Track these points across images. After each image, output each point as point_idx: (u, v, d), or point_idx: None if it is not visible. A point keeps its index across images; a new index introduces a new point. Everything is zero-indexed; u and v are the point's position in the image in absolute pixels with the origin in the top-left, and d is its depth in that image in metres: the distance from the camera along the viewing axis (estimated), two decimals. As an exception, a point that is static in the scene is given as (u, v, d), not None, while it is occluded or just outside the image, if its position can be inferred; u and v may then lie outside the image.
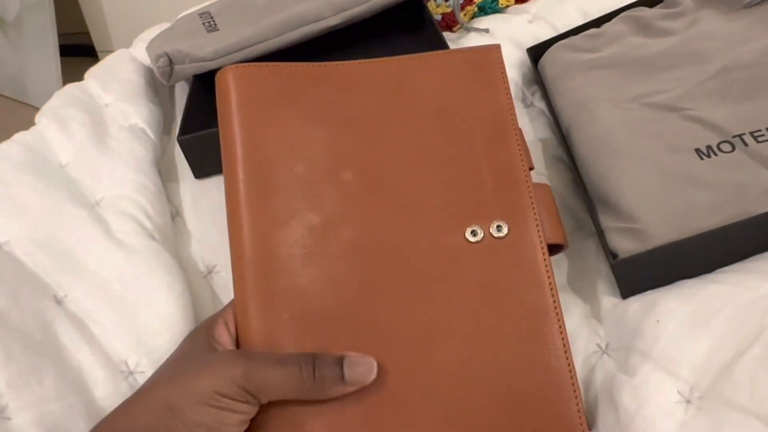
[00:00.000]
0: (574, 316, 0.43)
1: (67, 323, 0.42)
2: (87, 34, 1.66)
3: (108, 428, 0.33)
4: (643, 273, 0.40)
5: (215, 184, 0.55)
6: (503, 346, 0.36)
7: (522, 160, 0.41)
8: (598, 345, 0.41)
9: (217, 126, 0.41)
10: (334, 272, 0.37)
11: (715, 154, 0.42)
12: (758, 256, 0.39)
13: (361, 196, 0.39)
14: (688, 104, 0.46)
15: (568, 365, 0.36)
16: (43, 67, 1.52)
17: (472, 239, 0.38)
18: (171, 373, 0.34)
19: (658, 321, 0.38)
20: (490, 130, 0.41)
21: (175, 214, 0.54)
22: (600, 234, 0.44)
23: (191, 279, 0.48)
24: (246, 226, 0.37)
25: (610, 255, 0.42)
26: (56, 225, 0.47)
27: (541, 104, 0.57)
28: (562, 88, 0.53)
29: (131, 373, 0.41)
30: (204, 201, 0.54)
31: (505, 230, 0.38)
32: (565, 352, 0.36)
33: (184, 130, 0.55)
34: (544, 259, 0.38)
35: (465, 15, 0.69)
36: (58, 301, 0.44)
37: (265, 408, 0.33)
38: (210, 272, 0.50)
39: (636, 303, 0.40)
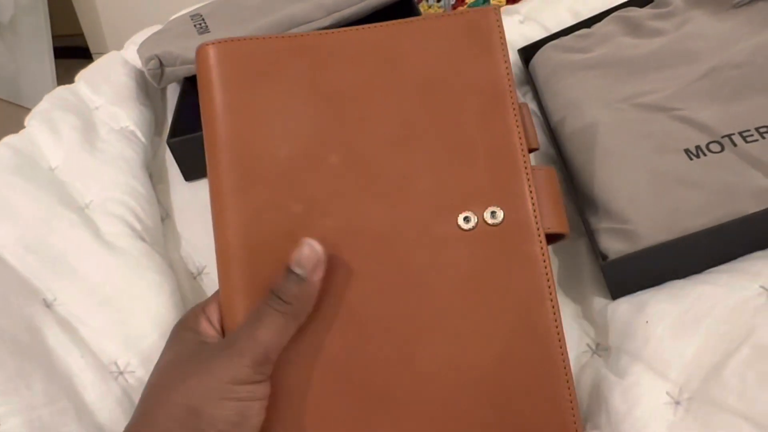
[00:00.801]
0: (565, 316, 0.43)
1: (56, 327, 0.42)
2: (81, 35, 1.66)
3: None
4: (632, 274, 0.40)
5: (205, 186, 0.54)
6: (495, 341, 0.35)
7: (520, 138, 0.37)
8: (588, 345, 0.41)
9: None
10: None
11: (705, 155, 0.42)
12: (747, 257, 0.39)
13: (347, 181, 0.37)
14: (678, 104, 0.46)
15: (563, 362, 0.34)
16: (38, 69, 1.52)
17: (465, 226, 0.36)
18: (175, 378, 0.33)
19: (647, 322, 0.38)
20: (485, 103, 0.38)
21: (165, 216, 0.54)
22: (590, 235, 0.43)
23: (181, 280, 0.48)
24: (229, 217, 0.36)
25: (600, 256, 0.42)
26: (46, 228, 0.47)
27: (532, 104, 0.57)
28: (552, 88, 0.53)
29: (121, 373, 0.41)
30: (194, 203, 0.54)
31: (500, 216, 0.36)
32: (561, 348, 0.35)
33: (173, 133, 0.55)
34: (542, 248, 0.36)
35: (457, 16, 0.69)
36: (48, 305, 0.44)
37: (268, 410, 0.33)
38: (200, 273, 0.50)
39: (626, 304, 0.40)
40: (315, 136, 0.37)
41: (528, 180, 0.37)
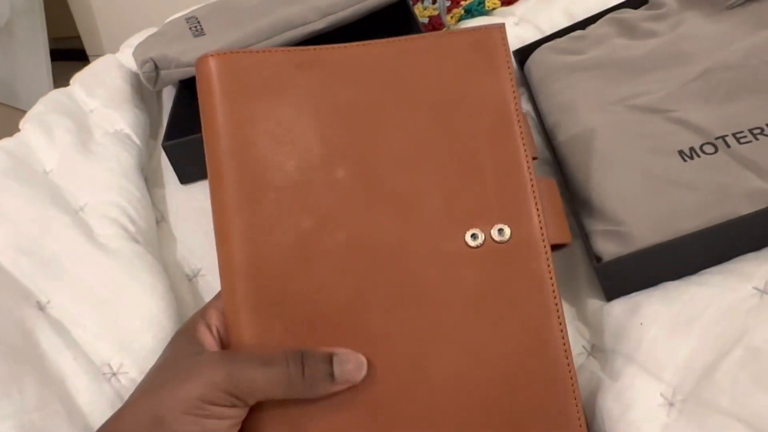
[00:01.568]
0: (560, 318, 0.43)
1: (49, 330, 0.42)
2: (78, 38, 1.65)
3: None
4: (626, 275, 0.40)
5: (200, 189, 0.55)
6: (503, 358, 0.34)
7: (526, 155, 0.38)
8: (583, 347, 0.41)
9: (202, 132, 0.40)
10: (327, 278, 0.35)
11: (698, 156, 0.42)
12: (741, 258, 0.39)
13: (356, 196, 0.36)
14: (672, 106, 0.46)
15: (571, 379, 0.34)
16: (34, 72, 1.52)
17: (472, 243, 0.36)
18: (154, 383, 0.33)
19: (641, 324, 0.38)
20: (493, 121, 0.38)
21: (160, 219, 0.54)
22: (584, 236, 0.44)
23: (176, 283, 0.48)
24: (234, 232, 0.35)
25: (594, 258, 0.42)
26: (39, 231, 0.47)
27: (527, 106, 0.57)
28: (547, 90, 0.53)
29: (114, 374, 0.41)
30: (189, 206, 0.54)
31: (507, 234, 0.36)
32: (568, 365, 0.35)
33: (169, 136, 0.55)
34: (548, 265, 0.36)
35: (452, 18, 0.69)
36: (41, 307, 0.44)
37: (257, 411, 0.33)
38: (195, 276, 0.50)
39: (620, 305, 0.40)
40: (325, 150, 0.37)
41: (535, 198, 0.37)
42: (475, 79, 0.39)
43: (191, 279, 0.50)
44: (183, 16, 0.69)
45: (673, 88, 0.47)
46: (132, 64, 0.67)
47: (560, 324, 0.35)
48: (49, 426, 0.37)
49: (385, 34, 0.64)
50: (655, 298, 0.39)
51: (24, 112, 0.60)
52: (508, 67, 0.39)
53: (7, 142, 0.56)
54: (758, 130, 0.42)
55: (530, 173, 0.38)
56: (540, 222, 0.37)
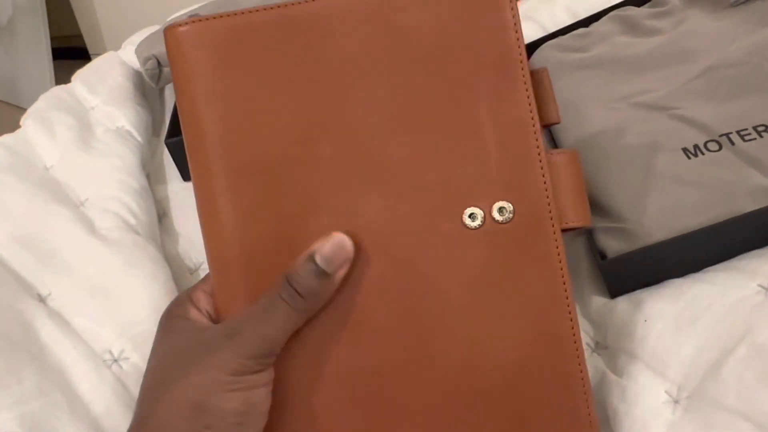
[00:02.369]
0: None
1: (49, 321, 0.42)
2: (80, 36, 1.65)
3: None
4: (631, 273, 0.40)
5: (203, 186, 0.55)
6: (510, 348, 0.32)
7: (533, 118, 0.32)
8: (587, 344, 0.41)
9: None
10: None
11: (702, 154, 0.42)
12: (745, 255, 0.39)
13: (342, 174, 0.33)
14: (676, 103, 0.46)
15: (581, 371, 0.32)
16: (36, 70, 1.52)
17: (470, 224, 0.32)
18: (179, 372, 0.31)
19: (645, 321, 0.38)
20: (493, 78, 0.33)
21: (163, 214, 0.54)
22: (589, 233, 0.43)
23: (179, 275, 0.48)
24: (221, 220, 0.33)
25: (599, 255, 0.42)
26: (40, 225, 0.47)
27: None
28: (550, 88, 0.53)
29: (116, 360, 0.41)
30: (192, 202, 0.53)
31: (508, 213, 0.32)
32: (578, 356, 0.32)
33: (171, 133, 0.55)
34: (557, 247, 0.32)
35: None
36: (41, 299, 0.44)
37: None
38: (197, 269, 0.50)
39: (624, 303, 0.40)
40: (308, 124, 0.33)
41: (542, 169, 0.32)
42: (475, 29, 0.34)
43: (193, 272, 0.50)
44: (185, 13, 0.69)
45: (677, 85, 0.47)
46: (134, 62, 0.67)
47: (570, 313, 0.32)
48: (49, 415, 0.37)
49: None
50: (660, 296, 0.39)
51: (25, 110, 0.60)
52: (513, 15, 0.34)
53: (7, 137, 0.57)
54: (762, 128, 0.42)
55: (537, 140, 0.32)
56: (548, 198, 0.32)
